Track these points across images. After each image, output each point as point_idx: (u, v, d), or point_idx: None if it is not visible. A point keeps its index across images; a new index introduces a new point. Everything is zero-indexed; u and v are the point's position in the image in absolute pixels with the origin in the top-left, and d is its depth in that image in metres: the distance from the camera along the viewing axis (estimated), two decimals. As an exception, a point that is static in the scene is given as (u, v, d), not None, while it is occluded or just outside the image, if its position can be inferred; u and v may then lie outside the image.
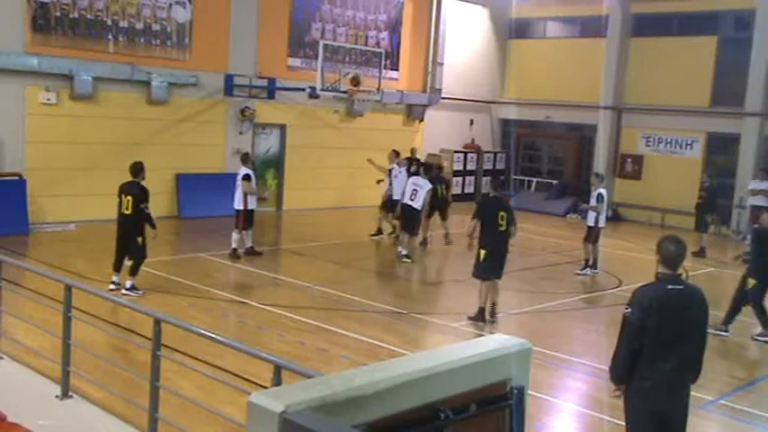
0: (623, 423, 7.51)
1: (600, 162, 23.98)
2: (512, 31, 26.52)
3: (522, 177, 25.94)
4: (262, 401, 2.38)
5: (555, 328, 11.23)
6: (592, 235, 14.91)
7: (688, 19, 22.45)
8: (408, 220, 15.07)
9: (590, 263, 14.95)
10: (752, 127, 21.09)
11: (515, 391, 3.05)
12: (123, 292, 10.67)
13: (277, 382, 4.66)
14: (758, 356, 10.96)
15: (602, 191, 14.99)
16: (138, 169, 11.08)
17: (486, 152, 26.15)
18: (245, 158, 14.44)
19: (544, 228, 20.91)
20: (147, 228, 10.85)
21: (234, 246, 13.86)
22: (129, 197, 10.79)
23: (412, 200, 14.98)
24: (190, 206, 18.21)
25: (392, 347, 9.32)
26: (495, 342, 3.18)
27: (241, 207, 13.85)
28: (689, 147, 22.49)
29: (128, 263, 11.00)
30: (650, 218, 22.75)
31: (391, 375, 2.70)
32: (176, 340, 7.12)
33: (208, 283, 11.96)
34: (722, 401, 8.45)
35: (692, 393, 8.53)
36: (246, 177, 13.82)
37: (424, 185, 15.13)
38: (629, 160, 23.68)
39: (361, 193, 21.44)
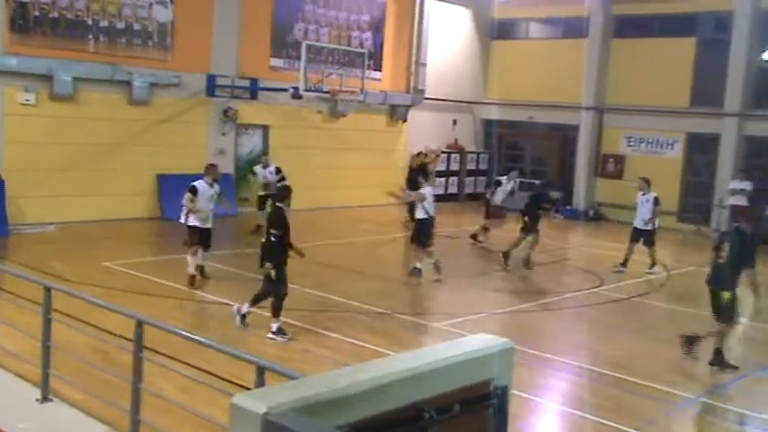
0: (606, 422, 7.57)
1: (582, 162, 24.13)
2: (494, 31, 26.61)
3: (503, 177, 25.94)
4: (244, 403, 2.37)
5: (538, 327, 11.28)
6: (651, 238, 15.42)
7: (668, 20, 22.62)
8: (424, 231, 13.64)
9: (654, 264, 15.44)
10: (731, 127, 21.29)
11: (498, 391, 3.06)
12: (269, 336, 9.44)
13: (260, 383, 4.64)
14: (742, 354, 11.04)
15: (655, 194, 15.67)
16: (283, 194, 9.97)
17: (470, 152, 26.21)
18: (208, 170, 12.26)
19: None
20: (292, 252, 9.78)
21: (190, 271, 11.90)
22: (266, 223, 9.84)
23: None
24: (172, 207, 18.02)
25: (376, 348, 9.31)
26: (478, 342, 3.18)
27: (182, 221, 11.99)
28: (670, 147, 22.66)
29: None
30: (632, 217, 22.84)
31: (375, 376, 2.70)
32: (158, 342, 7.07)
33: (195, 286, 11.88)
34: (704, 400, 8.52)
35: (670, 391, 8.66)
36: (191, 189, 11.75)
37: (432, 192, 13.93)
38: (611, 160, 23.82)
39: (344, 194, 21.44)
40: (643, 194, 15.67)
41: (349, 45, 21.89)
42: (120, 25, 17.46)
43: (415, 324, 10.97)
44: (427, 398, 2.79)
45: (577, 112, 24.07)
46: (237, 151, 20.17)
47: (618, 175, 23.49)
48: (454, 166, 25.59)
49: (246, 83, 19.30)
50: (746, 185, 20.24)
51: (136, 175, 17.89)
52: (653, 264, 15.47)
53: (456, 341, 3.24)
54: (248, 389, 4.89)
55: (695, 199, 22.13)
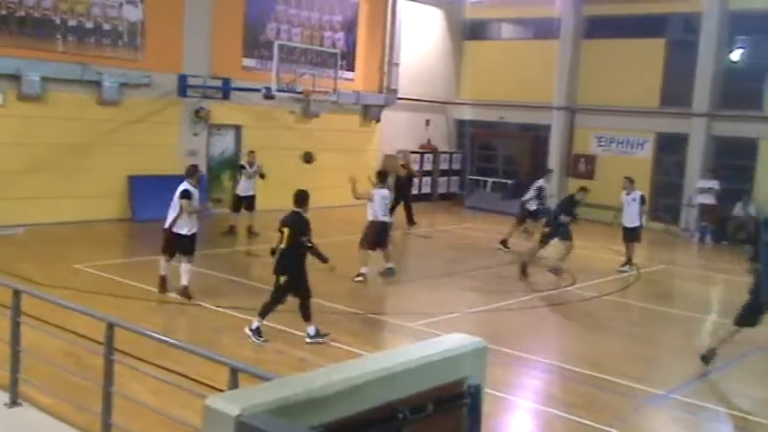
0: (579, 419, 7.64)
1: (554, 162, 24.32)
2: (466, 32, 26.74)
3: (477, 177, 26.14)
4: (218, 405, 2.36)
5: (511, 326, 11.35)
6: (636, 235, 15.75)
7: (638, 21, 22.88)
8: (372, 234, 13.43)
9: (628, 263, 15.66)
10: (699, 127, 21.59)
11: (472, 390, 3.07)
12: (307, 341, 9.38)
13: (233, 385, 4.62)
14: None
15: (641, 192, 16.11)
16: (302, 198, 9.67)
17: (443, 152, 26.30)
18: (192, 172, 11.56)
19: (500, 227, 21.08)
20: (318, 262, 9.62)
21: (162, 272, 11.35)
22: (286, 228, 9.38)
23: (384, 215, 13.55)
24: (143, 208, 17.91)
25: (350, 348, 9.31)
26: (452, 341, 3.19)
27: (166, 226, 11.28)
28: (640, 147, 22.93)
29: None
30: (603, 217, 23.08)
31: (349, 376, 2.70)
32: (130, 344, 7.00)
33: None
34: (673, 396, 8.63)
35: (640, 387, 8.76)
36: (185, 194, 11.08)
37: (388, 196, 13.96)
38: (583, 160, 24.04)
39: (318, 194, 21.27)
40: (628, 194, 15.91)
41: (321, 45, 21.86)
42: (89, 25, 17.26)
43: (388, 324, 10.99)
44: (401, 398, 2.79)
45: (549, 113, 24.27)
46: (209, 152, 20.04)
47: (589, 174, 23.70)
48: (427, 167, 25.67)
49: (218, 83, 19.18)
50: (714, 184, 20.56)
51: (106, 176, 17.69)
52: (627, 262, 15.64)
53: (429, 341, 3.25)
54: (222, 391, 4.87)
55: (665, 198, 22.41)
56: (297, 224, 9.38)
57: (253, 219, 16.96)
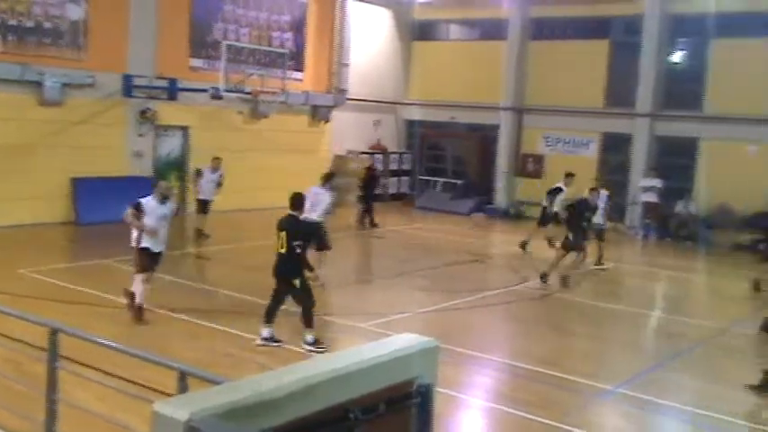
0: (530, 416, 7.73)
1: (502, 162, 24.60)
2: (415, 32, 26.86)
3: (427, 177, 26.28)
4: (166, 410, 2.32)
5: (462, 325, 11.42)
6: (603, 234, 16.23)
7: (582, 23, 23.30)
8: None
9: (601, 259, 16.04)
10: (642, 127, 22.08)
11: (423, 389, 3.08)
12: (306, 348, 9.20)
13: (182, 389, 4.55)
14: (654, 346, 11.47)
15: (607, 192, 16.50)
16: (299, 202, 9.62)
17: (392, 153, 26.37)
18: (158, 185, 10.87)
19: (449, 226, 21.26)
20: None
21: (137, 299, 10.28)
22: (283, 233, 9.29)
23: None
24: (88, 211, 17.54)
25: (301, 350, 9.26)
26: (403, 341, 3.20)
27: (133, 244, 10.33)
28: (585, 146, 23.34)
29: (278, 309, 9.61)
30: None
31: (300, 378, 2.68)
32: (75, 350, 6.84)
33: (110, 291, 11.53)
34: (620, 390, 8.79)
35: (590, 383, 8.91)
36: (134, 204, 10.24)
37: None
38: (531, 160, 24.36)
39: (268, 195, 21.19)
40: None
41: (270, 45, 21.71)
42: (30, 24, 16.82)
43: (340, 325, 10.96)
44: (353, 398, 2.79)
45: (497, 113, 24.54)
46: (156, 153, 19.72)
47: (537, 174, 24.05)
48: (377, 167, 25.68)
49: (165, 83, 18.89)
50: (657, 183, 21.05)
51: (49, 178, 17.26)
52: (599, 261, 16.02)
53: (381, 341, 3.25)
54: (170, 396, 4.79)
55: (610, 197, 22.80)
56: (294, 229, 9.32)
57: (205, 222, 16.74)
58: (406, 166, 26.60)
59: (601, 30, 23.02)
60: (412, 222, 21.93)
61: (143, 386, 7.14)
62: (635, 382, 9.10)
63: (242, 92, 19.23)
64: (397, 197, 26.01)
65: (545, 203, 17.03)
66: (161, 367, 5.26)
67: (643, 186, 21.35)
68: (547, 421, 7.61)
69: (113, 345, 5.60)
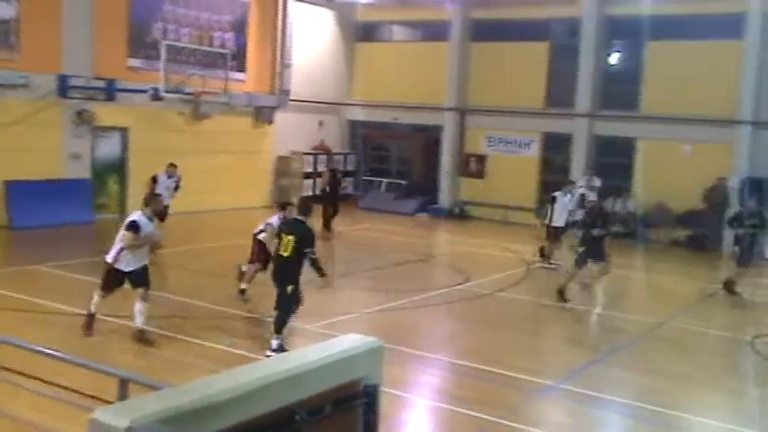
0: (475, 413, 7.80)
1: (446, 162, 24.79)
2: (359, 33, 26.87)
3: (371, 178, 26.33)
4: (106, 418, 2.26)
5: (407, 325, 11.47)
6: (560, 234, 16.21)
7: (522, 25, 23.64)
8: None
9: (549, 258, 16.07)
10: (582, 127, 22.53)
11: (369, 390, 3.08)
12: (267, 353, 8.93)
13: (122, 396, 4.45)
14: (595, 341, 11.70)
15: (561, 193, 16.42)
16: (307, 208, 9.59)
17: (336, 154, 26.32)
18: (149, 200, 9.90)
19: (393, 226, 21.32)
20: (314, 277, 9.40)
21: (91, 309, 9.66)
22: (290, 237, 9.14)
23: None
24: (23, 215, 17.04)
25: (246, 353, 9.16)
26: (348, 342, 3.19)
27: (109, 260, 9.58)
28: (527, 146, 23.70)
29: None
30: (493, 215, 23.74)
31: (245, 381, 2.65)
32: (7, 358, 6.63)
33: (46, 297, 11.23)
34: (562, 386, 8.95)
35: (532, 379, 9.05)
36: (131, 226, 9.30)
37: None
38: (474, 160, 24.62)
39: (211, 198, 20.96)
40: (564, 195, 16.35)
41: (211, 45, 21.44)
42: (-41, 21, 16.26)
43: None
44: (299, 400, 2.77)
45: (441, 114, 24.72)
46: (94, 155, 19.27)
47: (479, 174, 24.32)
48: (321, 168, 25.62)
49: (102, 83, 18.47)
50: (595, 182, 21.48)
51: (-19, 181, 16.71)
52: (549, 257, 16.15)
53: (326, 342, 3.23)
54: (110, 403, 4.68)
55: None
56: (303, 235, 9.16)
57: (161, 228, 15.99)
58: (350, 167, 26.58)
59: (541, 32, 23.40)
60: (356, 223, 21.93)
61: (81, 393, 6.96)
62: (576, 378, 9.27)
63: (183, 93, 18.95)
64: (342, 198, 25.95)
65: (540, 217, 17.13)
66: (102, 374, 5.14)
67: (581, 185, 21.74)
68: (492, 418, 7.69)
69: (48, 351, 5.45)
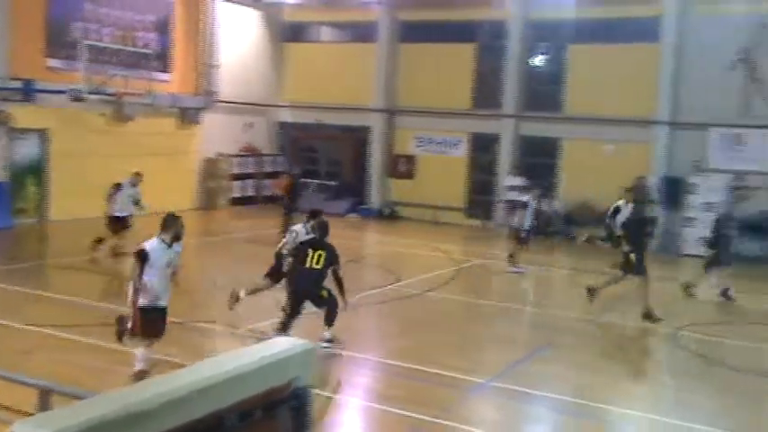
0: (407, 413, 7.83)
1: (376, 163, 24.86)
2: (286, 34, 26.69)
3: (301, 180, 26.11)
4: (25, 430, 2.17)
5: (339, 325, 11.42)
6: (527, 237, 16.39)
7: (449, 27, 23.91)
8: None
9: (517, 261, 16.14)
10: (508, 127, 22.94)
11: (300, 392, 3.05)
12: (323, 345, 9.46)
13: (44, 407, 4.30)
14: (525, 339, 11.91)
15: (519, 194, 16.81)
16: (327, 229, 10.30)
17: (265, 155, 26.09)
18: (170, 223, 8.20)
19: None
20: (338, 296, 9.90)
21: (139, 366, 8.08)
22: (321, 252, 9.87)
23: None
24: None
25: (174, 359, 8.96)
26: (279, 345, 3.17)
27: (129, 303, 8.06)
28: (455, 147, 23.98)
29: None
30: (423, 215, 23.93)
31: (172, 388, 2.59)
32: None
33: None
34: (493, 384, 9.07)
35: (463, 377, 9.15)
36: (140, 255, 7.90)
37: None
38: (403, 160, 24.76)
39: (134, 201, 20.45)
40: (534, 200, 16.69)
41: (134, 46, 20.93)
42: None
43: (214, 332, 10.71)
44: (228, 405, 2.72)
45: (370, 114, 24.77)
46: (11, 158, 18.57)
47: (409, 174, 24.49)
48: (250, 169, 25.37)
49: (19, 84, 17.82)
50: (521, 182, 21.90)
51: None
52: (516, 261, 16.27)
53: (256, 346, 3.19)
54: (31, 415, 4.50)
55: (481, 195, 23.60)
56: (332, 253, 9.92)
57: (121, 238, 15.21)
58: (279, 169, 26.36)
59: (468, 33, 23.71)
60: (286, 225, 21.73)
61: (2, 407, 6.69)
62: (507, 375, 9.42)
63: (105, 93, 18.45)
64: (272, 200, 25.74)
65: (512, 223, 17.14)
66: (19, 385, 4.96)
67: (508, 185, 22.15)
68: (424, 417, 7.74)
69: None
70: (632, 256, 12.29)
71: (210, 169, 23.99)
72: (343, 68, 25.10)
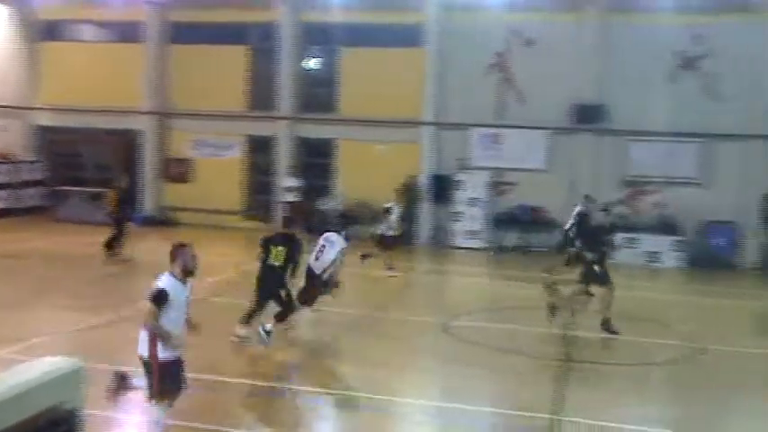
0: (191, 424, 7.61)
1: (148, 167, 23.87)
2: (42, 32, 24.76)
3: (67, 187, 24.29)
4: None
5: (112, 341, 10.83)
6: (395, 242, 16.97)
7: (221, 29, 23.52)
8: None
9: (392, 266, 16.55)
10: (284, 130, 23.07)
11: (68, 415, 2.87)
12: (261, 331, 10.41)
13: None
14: (307, 336, 12.02)
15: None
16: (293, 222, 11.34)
17: (21, 162, 24.04)
18: (179, 253, 7.01)
19: (92, 237, 19.97)
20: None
21: None
22: (281, 248, 10.57)
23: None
24: None
25: None
26: (45, 366, 2.95)
27: (144, 353, 7.00)
28: (230, 149, 23.69)
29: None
30: (204, 219, 23.33)
31: None
32: None
33: None
34: (280, 385, 9.07)
35: (246, 382, 9.06)
36: (157, 297, 6.76)
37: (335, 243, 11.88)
38: (176, 163, 23.99)
39: None
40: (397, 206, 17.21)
41: None
42: None
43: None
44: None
45: (139, 117, 23.74)
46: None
47: (183, 178, 23.80)
48: (4, 179, 23.25)
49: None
50: (298, 183, 22.15)
51: None
52: (391, 266, 16.53)
53: (16, 369, 2.95)
54: None
55: (260, 197, 23.49)
56: (294, 246, 10.80)
57: None
58: (38, 176, 24.39)
59: (239, 35, 23.49)
60: (50, 236, 20.21)
61: None
62: (294, 374, 9.45)
63: None
64: (33, 210, 23.79)
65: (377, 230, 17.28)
66: None
67: (285, 187, 22.27)
68: (209, 426, 7.59)
69: None
70: (595, 267, 11.94)
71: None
72: (109, 69, 23.79)
